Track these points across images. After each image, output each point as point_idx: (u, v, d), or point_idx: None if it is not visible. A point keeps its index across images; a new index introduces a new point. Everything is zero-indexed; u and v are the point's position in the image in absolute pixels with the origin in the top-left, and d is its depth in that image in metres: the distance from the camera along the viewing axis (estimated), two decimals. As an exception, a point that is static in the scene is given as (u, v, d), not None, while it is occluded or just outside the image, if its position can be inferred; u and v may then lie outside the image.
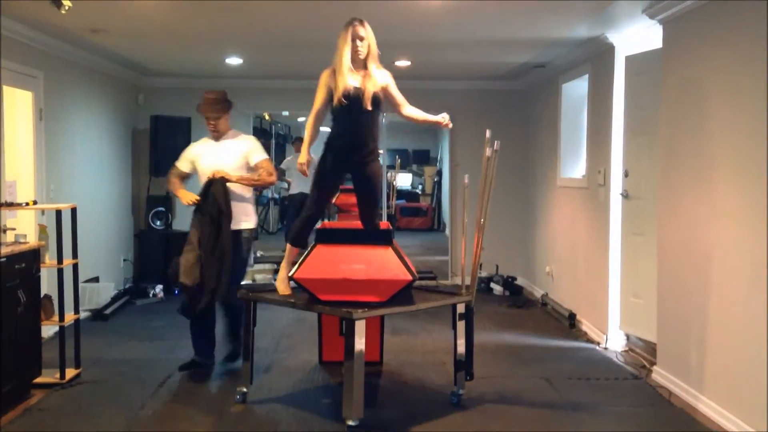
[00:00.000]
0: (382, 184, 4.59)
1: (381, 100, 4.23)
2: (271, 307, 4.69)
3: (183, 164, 5.22)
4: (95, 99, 7.44)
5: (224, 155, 5.05)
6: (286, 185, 10.88)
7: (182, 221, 8.69)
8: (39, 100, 6.02)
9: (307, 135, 4.34)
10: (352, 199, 4.54)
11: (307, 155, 4.25)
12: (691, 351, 4.50)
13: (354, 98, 4.10)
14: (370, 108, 4.14)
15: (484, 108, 8.83)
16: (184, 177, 5.24)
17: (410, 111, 4.39)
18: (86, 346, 5.25)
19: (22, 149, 5.88)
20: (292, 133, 15.69)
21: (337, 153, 4.21)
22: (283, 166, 10.97)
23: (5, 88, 5.44)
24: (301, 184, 10.75)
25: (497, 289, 8.30)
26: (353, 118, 4.15)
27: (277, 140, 14.32)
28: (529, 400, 4.59)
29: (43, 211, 5.68)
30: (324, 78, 4.23)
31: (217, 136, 5.14)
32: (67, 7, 4.11)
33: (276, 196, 13.94)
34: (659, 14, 4.84)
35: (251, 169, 5.07)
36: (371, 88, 4.14)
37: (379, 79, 4.21)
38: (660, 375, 4.90)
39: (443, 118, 4.32)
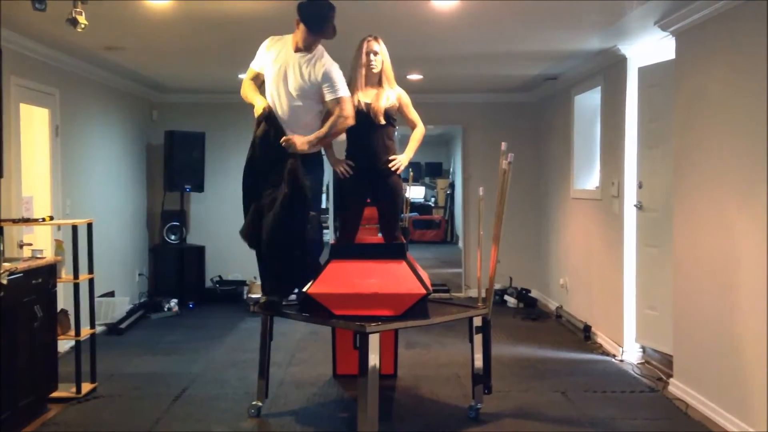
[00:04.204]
0: (402, 198, 4.62)
1: (394, 115, 4.29)
2: (285, 321, 4.70)
3: (257, 64, 4.24)
4: (110, 115, 7.51)
5: (303, 77, 4.05)
6: None
7: (196, 235, 8.77)
8: (55, 117, 6.09)
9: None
10: (368, 212, 4.57)
11: (336, 159, 4.38)
12: (708, 363, 4.46)
13: (365, 114, 4.19)
14: (382, 122, 4.22)
15: (496, 121, 8.84)
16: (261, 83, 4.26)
17: (413, 135, 4.47)
18: (102, 361, 5.29)
19: (39, 165, 5.94)
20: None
21: (353, 169, 4.26)
22: None
23: (22, 105, 5.51)
24: None
25: (511, 301, 8.27)
26: (366, 133, 4.23)
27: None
28: (545, 414, 4.56)
29: (59, 227, 5.73)
30: None
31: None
32: (83, 26, 4.15)
33: None
34: (672, 26, 4.84)
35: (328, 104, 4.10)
36: (383, 103, 4.22)
37: (392, 95, 4.27)
38: (677, 387, 4.86)
39: (399, 162, 4.32)
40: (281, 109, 4.10)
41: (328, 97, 4.05)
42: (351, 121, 4.08)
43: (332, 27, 4.03)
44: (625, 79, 5.87)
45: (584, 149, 7.15)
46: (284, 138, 3.99)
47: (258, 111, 4.12)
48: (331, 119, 4.07)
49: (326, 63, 4.07)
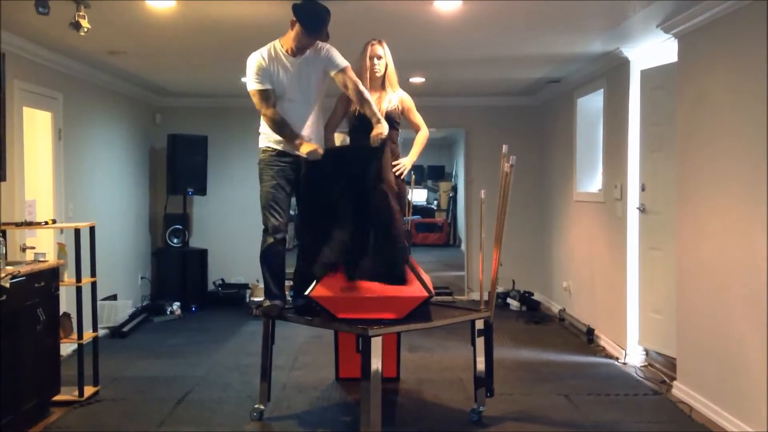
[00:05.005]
0: (405, 201, 4.61)
1: (396, 118, 4.29)
2: (287, 324, 4.70)
3: (264, 83, 4.10)
4: (113, 119, 7.52)
5: (308, 77, 4.13)
6: None
7: (199, 239, 8.77)
8: (58, 121, 6.10)
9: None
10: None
11: None
12: (712, 366, 4.45)
13: (367, 118, 4.17)
14: None
15: (499, 123, 8.84)
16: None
17: (416, 138, 4.51)
18: (104, 364, 5.29)
19: (42, 169, 5.95)
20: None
21: None
22: None
23: (25, 109, 5.52)
24: None
25: (514, 304, 8.25)
26: (368, 136, 4.20)
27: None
28: (549, 417, 4.54)
29: (62, 230, 5.73)
30: (341, 97, 4.39)
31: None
32: (85, 30, 4.17)
33: None
34: (674, 28, 4.84)
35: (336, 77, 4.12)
36: (384, 105, 4.23)
37: (393, 98, 4.28)
38: (680, 390, 4.85)
39: (403, 166, 4.40)
40: (305, 116, 4.13)
41: (334, 71, 4.09)
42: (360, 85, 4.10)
43: (327, 31, 4.05)
44: (628, 81, 5.86)
45: (587, 152, 7.15)
46: (376, 133, 3.96)
47: (318, 154, 4.04)
48: (357, 91, 4.07)
49: (322, 48, 4.11)
